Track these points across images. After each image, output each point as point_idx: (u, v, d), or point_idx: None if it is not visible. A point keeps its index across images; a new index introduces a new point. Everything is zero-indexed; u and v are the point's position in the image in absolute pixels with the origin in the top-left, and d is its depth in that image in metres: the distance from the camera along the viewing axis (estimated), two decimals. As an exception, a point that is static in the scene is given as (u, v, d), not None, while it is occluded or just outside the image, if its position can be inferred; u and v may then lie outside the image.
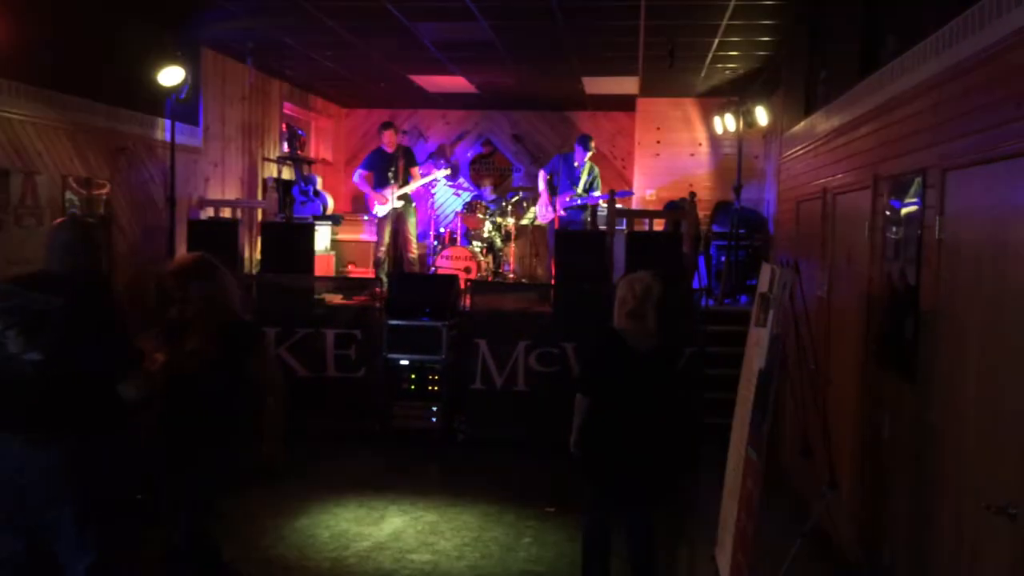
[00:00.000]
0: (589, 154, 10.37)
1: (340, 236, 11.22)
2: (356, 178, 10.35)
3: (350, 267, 11.08)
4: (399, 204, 10.04)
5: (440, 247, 11.02)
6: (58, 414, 3.43)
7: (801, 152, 7.08)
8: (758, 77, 9.66)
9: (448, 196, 12.74)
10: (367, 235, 11.15)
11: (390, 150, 10.15)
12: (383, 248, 10.06)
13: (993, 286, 3.35)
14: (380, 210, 10.03)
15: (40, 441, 3.43)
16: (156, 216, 8.20)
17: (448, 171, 11.31)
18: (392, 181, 9.97)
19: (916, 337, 4.10)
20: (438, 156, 12.84)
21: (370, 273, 10.23)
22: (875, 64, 5.09)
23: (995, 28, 3.39)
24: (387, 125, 10.30)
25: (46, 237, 3.62)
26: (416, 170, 10.29)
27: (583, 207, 10.37)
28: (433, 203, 12.81)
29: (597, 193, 10.37)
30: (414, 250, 10.21)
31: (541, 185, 10.58)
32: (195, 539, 4.00)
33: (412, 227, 10.20)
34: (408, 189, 10.09)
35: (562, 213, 10.44)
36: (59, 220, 3.75)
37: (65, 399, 3.43)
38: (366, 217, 11.36)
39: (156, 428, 3.89)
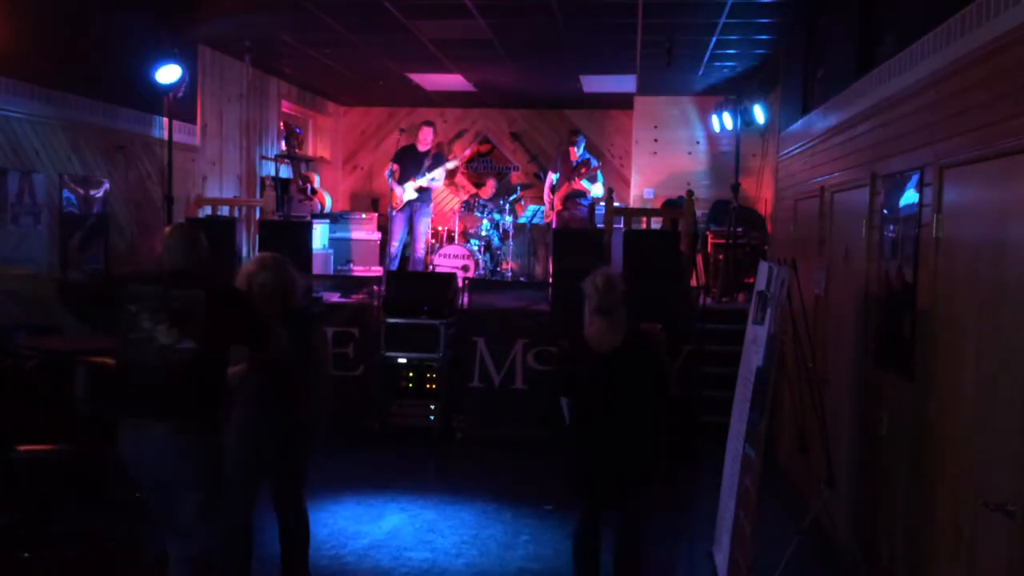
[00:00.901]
0: (581, 146, 10.40)
1: (338, 234, 11.22)
2: (388, 173, 10.25)
3: (351, 265, 11.07)
4: (414, 197, 10.01)
5: (438, 245, 11.02)
6: (200, 402, 3.75)
7: (799, 150, 7.09)
8: (756, 75, 9.66)
9: (446, 194, 12.74)
10: (365, 233, 11.15)
11: (423, 148, 10.15)
12: (395, 244, 10.03)
13: (991, 284, 3.35)
14: (397, 200, 10.02)
15: (183, 429, 3.70)
16: (154, 215, 8.19)
17: (455, 164, 11.22)
18: (414, 176, 9.95)
19: (913, 335, 4.10)
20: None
21: (370, 271, 10.22)
22: (872, 62, 5.10)
23: (992, 26, 3.39)
24: (428, 123, 10.33)
25: (166, 238, 3.96)
26: (440, 171, 10.30)
27: (580, 195, 10.34)
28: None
29: (596, 186, 10.33)
30: (421, 249, 10.20)
31: (547, 187, 10.64)
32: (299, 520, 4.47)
33: (423, 227, 10.18)
34: (423, 182, 10.04)
35: (559, 206, 10.46)
36: (172, 224, 4.25)
37: (207, 388, 3.78)
38: (364, 215, 11.35)
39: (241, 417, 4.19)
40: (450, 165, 10.87)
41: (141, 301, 3.75)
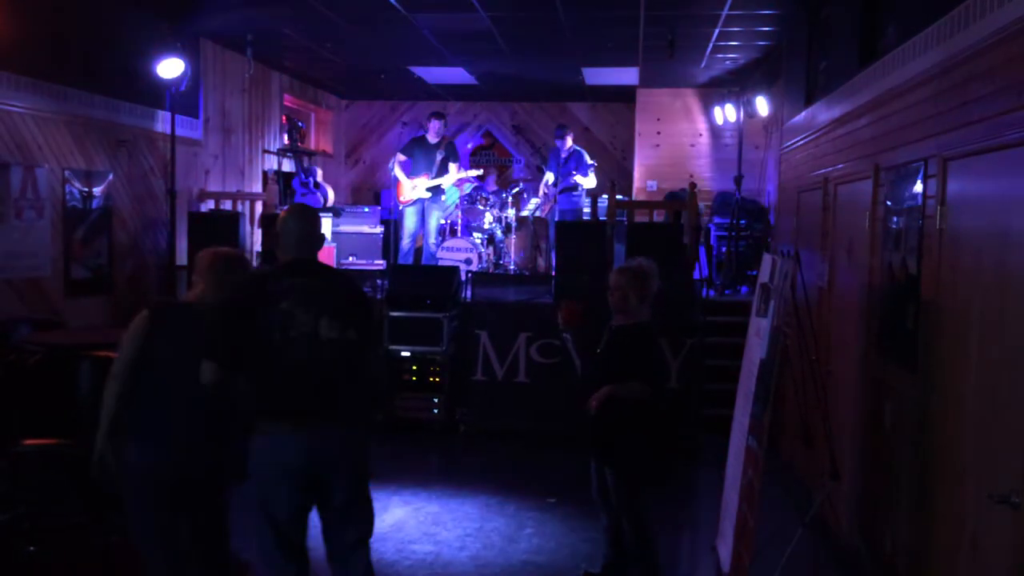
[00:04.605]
0: (566, 141, 10.35)
1: (341, 228, 11.21)
2: (393, 164, 10.04)
3: (351, 258, 11.06)
4: (427, 195, 9.86)
5: (441, 239, 11.01)
6: (362, 394, 3.65)
7: (802, 142, 7.07)
8: (758, 67, 9.64)
9: (448, 188, 12.70)
10: (368, 227, 11.13)
11: (433, 140, 9.92)
12: (406, 240, 9.97)
13: (994, 275, 3.35)
14: (407, 194, 9.89)
15: (353, 422, 3.58)
16: (157, 209, 8.20)
17: (480, 172, 11.16)
18: (427, 171, 9.87)
19: (917, 326, 4.10)
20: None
21: (373, 265, 10.21)
22: (875, 54, 5.08)
23: (996, 17, 3.38)
24: (438, 115, 10.04)
25: (286, 221, 3.66)
26: (455, 166, 10.04)
27: (574, 188, 10.29)
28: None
29: (587, 176, 10.26)
30: (432, 244, 10.13)
31: (543, 183, 10.63)
32: None
33: (435, 220, 10.09)
34: (442, 182, 9.91)
35: (552, 199, 10.42)
36: (291, 207, 3.89)
37: (364, 379, 3.67)
38: (367, 209, 11.34)
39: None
40: (472, 173, 10.84)
41: (292, 295, 3.51)
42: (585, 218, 10.61)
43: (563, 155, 10.39)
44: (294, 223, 3.65)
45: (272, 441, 3.48)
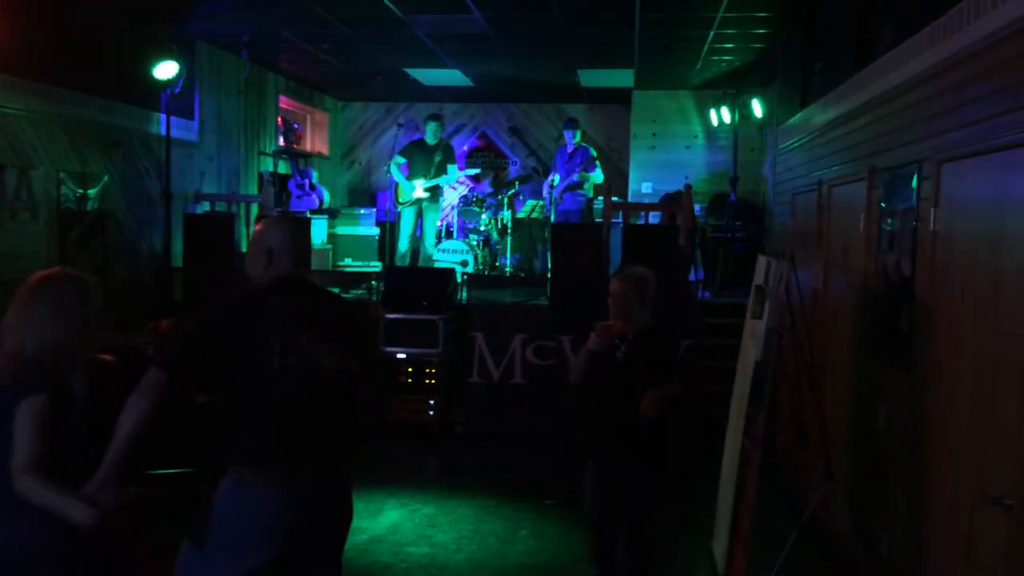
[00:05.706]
0: (576, 135, 10.23)
1: (337, 230, 11.21)
2: (394, 166, 9.99)
3: (348, 260, 11.07)
4: (425, 196, 9.89)
5: (437, 240, 11.01)
6: (354, 442, 3.14)
7: (797, 144, 7.09)
8: (754, 69, 9.65)
9: (446, 189, 12.72)
10: (364, 229, 11.14)
11: (431, 142, 9.96)
12: (403, 241, 9.98)
13: (988, 277, 3.36)
14: (405, 195, 9.90)
15: (343, 473, 3.04)
16: (152, 211, 8.19)
17: (478, 171, 11.14)
18: (425, 173, 9.86)
19: (911, 328, 4.11)
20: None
21: (367, 267, 10.21)
22: (871, 56, 5.09)
23: (991, 19, 3.39)
24: (435, 117, 10.14)
25: (274, 232, 3.06)
26: (454, 167, 10.09)
27: (577, 186, 10.21)
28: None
29: (594, 175, 10.15)
30: (428, 246, 10.14)
31: (546, 185, 10.55)
32: None
33: (431, 222, 10.11)
34: (441, 182, 9.95)
35: (556, 199, 10.36)
36: (276, 218, 3.25)
37: (360, 424, 3.18)
38: (363, 211, 11.34)
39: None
40: (471, 172, 10.82)
41: (294, 315, 2.91)
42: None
43: (569, 150, 10.28)
44: (285, 235, 3.05)
45: (252, 492, 2.86)
